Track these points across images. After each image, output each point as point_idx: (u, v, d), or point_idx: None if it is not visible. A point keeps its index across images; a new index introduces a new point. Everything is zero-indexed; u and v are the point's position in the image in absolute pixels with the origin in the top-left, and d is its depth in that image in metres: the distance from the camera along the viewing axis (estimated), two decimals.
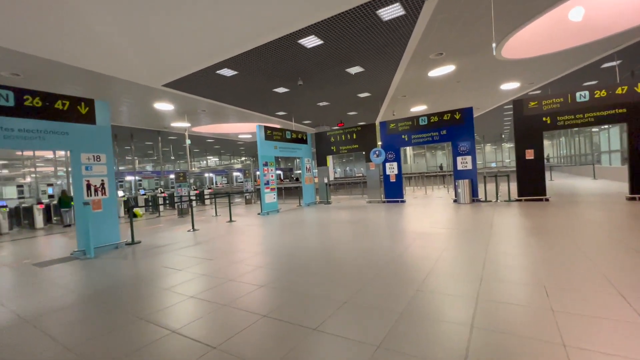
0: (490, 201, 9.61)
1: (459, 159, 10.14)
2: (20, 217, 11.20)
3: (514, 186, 9.46)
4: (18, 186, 13.98)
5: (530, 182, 9.09)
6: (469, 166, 9.97)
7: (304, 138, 13.02)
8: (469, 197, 9.69)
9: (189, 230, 8.02)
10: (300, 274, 3.93)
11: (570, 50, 9.52)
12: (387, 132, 11.51)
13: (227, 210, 10.76)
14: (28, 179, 14.36)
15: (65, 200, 11.06)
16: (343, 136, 12.77)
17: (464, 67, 10.49)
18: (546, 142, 33.48)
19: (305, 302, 3.07)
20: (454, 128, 10.25)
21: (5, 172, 14.98)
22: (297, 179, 24.76)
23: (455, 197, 10.04)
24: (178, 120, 15.28)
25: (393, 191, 11.40)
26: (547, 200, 8.87)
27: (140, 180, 15.70)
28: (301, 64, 9.12)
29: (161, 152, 18.96)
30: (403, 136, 11.17)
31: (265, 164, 10.62)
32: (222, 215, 11.08)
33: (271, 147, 11.03)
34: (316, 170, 13.68)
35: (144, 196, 13.81)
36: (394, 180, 11.37)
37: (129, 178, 20.01)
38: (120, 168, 26.58)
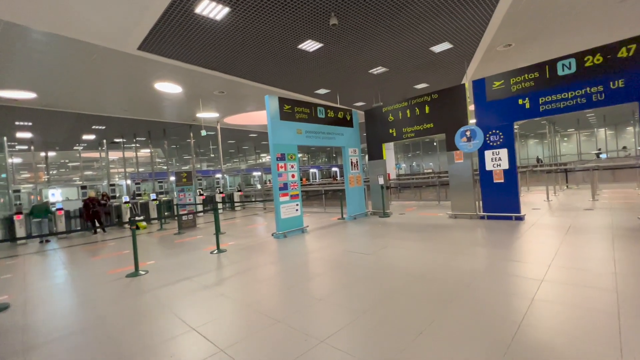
0: None
1: None
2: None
3: None
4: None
5: None
6: None
7: (348, 118, 8.82)
8: None
9: (128, 276, 4.62)
10: None
11: None
12: (486, 98, 6.70)
13: (246, 222, 7.34)
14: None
15: (38, 209, 8.85)
16: (408, 112, 8.22)
17: None
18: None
19: None
20: None
21: None
22: None
23: None
24: (198, 109, 12.48)
25: (500, 199, 6.56)
26: None
27: (161, 182, 13.30)
28: None
29: (193, 148, 16.70)
30: (521, 101, 6.24)
31: (282, 157, 6.78)
32: (227, 232, 7.63)
33: (292, 130, 7.13)
34: (365, 165, 9.40)
35: (155, 201, 11.20)
36: (501, 181, 6.53)
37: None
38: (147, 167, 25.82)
